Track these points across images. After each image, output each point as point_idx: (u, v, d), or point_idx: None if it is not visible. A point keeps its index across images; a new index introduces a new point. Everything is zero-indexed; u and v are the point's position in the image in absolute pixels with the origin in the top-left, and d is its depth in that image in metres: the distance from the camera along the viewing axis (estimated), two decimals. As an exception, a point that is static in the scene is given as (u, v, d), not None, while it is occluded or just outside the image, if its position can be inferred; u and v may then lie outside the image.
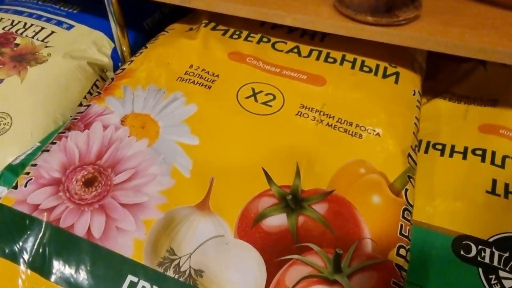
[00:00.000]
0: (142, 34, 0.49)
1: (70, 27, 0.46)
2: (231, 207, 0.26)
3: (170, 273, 0.24)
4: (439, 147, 0.36)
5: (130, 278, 0.24)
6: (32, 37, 0.44)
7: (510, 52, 0.31)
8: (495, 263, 0.28)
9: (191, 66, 0.35)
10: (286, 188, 0.28)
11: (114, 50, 0.46)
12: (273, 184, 0.28)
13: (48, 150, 0.29)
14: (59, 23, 0.46)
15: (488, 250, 0.29)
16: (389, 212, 0.28)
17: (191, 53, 0.36)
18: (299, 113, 0.32)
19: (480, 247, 0.29)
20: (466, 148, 0.35)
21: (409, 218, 0.28)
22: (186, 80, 0.33)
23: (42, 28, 0.45)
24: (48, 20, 0.47)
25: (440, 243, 0.30)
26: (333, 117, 0.32)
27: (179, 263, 0.24)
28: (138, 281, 0.24)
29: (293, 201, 0.27)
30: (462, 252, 0.29)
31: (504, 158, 0.34)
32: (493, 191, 0.32)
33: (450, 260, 0.29)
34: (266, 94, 0.33)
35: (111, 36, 0.45)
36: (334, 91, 0.33)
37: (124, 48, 0.46)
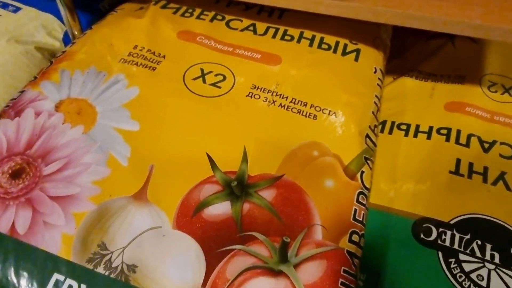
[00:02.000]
0: (98, 17, 0.46)
1: (16, 9, 0.43)
2: (171, 196, 0.25)
3: (100, 269, 0.22)
4: (404, 127, 0.34)
5: (56, 276, 0.22)
6: (-27, 21, 0.41)
7: (472, 24, 0.29)
8: (456, 246, 0.27)
9: (135, 47, 0.32)
10: (231, 174, 0.26)
11: (66, 34, 0.43)
12: (217, 170, 0.26)
13: (-25, 141, 0.27)
14: (4, 6, 0.43)
15: (449, 233, 0.28)
16: (343, 197, 0.26)
17: (137, 33, 0.33)
18: (250, 94, 0.30)
19: (440, 229, 0.28)
20: (431, 128, 0.34)
21: (364, 202, 0.26)
22: (129, 61, 0.31)
23: (-15, 12, 0.42)
24: (-8, 2, 0.44)
25: (400, 227, 0.29)
26: (287, 97, 0.30)
27: (110, 258, 0.22)
28: (65, 279, 0.22)
29: (238, 187, 0.25)
30: (422, 236, 0.28)
31: (469, 136, 0.33)
32: (456, 171, 0.31)
33: (409, 245, 0.28)
34: (216, 75, 0.31)
35: (62, 19, 0.42)
36: (289, 70, 0.31)
37: (76, 32, 0.43)
